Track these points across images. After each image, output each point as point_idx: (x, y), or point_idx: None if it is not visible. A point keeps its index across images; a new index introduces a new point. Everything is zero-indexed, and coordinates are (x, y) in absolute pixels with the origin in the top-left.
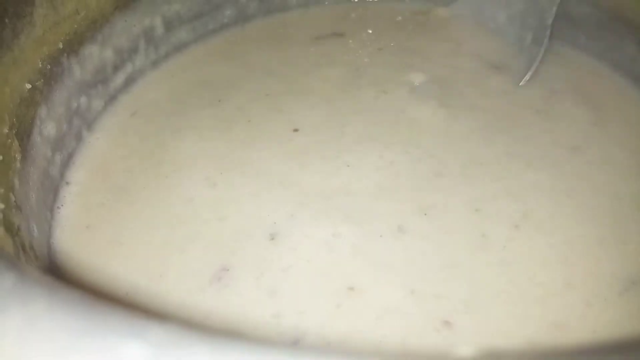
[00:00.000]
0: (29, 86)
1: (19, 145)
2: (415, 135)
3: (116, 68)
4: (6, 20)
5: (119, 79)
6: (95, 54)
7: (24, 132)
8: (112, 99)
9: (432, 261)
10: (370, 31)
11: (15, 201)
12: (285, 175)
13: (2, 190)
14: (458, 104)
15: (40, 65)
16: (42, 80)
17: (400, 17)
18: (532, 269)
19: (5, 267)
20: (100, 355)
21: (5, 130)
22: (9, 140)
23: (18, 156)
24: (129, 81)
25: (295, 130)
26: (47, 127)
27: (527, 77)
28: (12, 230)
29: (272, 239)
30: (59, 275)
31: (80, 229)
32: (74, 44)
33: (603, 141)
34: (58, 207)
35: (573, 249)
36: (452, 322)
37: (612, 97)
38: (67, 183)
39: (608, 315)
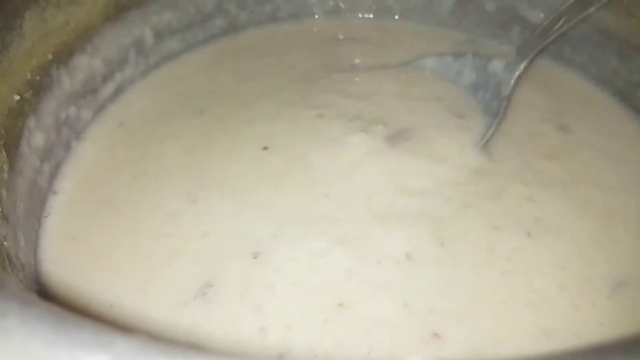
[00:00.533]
0: (17, 97)
1: (7, 156)
2: None
3: (105, 78)
4: None
5: (108, 89)
6: (85, 64)
7: (12, 143)
8: (100, 109)
9: (432, 279)
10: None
11: (2, 211)
12: (260, 196)
13: None
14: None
15: (29, 76)
16: (31, 92)
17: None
18: (531, 277)
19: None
20: None
21: None
22: None
23: (6, 167)
24: (118, 91)
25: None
26: (36, 138)
27: (483, 140)
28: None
29: (255, 257)
30: (44, 286)
31: (66, 239)
32: (64, 55)
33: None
34: (45, 217)
35: (570, 252)
36: (441, 334)
37: (590, 108)
38: (55, 192)
39: (595, 319)
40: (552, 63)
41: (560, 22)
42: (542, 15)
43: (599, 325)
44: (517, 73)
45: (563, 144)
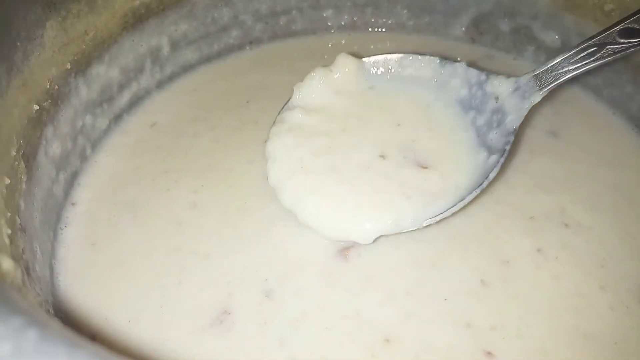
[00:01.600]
0: (36, 107)
1: (25, 166)
2: None
3: (122, 87)
4: (18, 44)
5: (124, 98)
6: (102, 73)
7: (30, 153)
8: (116, 118)
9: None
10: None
11: (20, 223)
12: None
13: (9, 214)
14: None
15: (48, 85)
16: (50, 101)
17: None
18: (576, 279)
19: (26, 324)
20: None
21: (13, 153)
22: (16, 162)
23: (24, 177)
24: (134, 101)
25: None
26: (53, 147)
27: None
28: (17, 255)
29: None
30: (60, 298)
31: (82, 249)
32: (82, 64)
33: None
34: (61, 228)
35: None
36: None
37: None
38: (73, 204)
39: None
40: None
41: (597, 52)
42: (556, 37)
43: (631, 329)
44: (531, 103)
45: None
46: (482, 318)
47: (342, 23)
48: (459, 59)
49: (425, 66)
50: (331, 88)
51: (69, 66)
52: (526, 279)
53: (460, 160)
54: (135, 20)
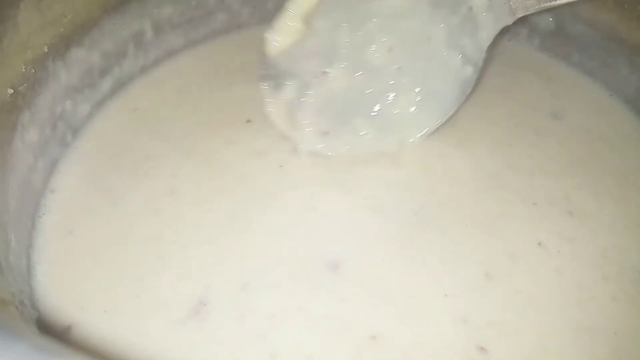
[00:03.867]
0: (11, 91)
1: (0, 153)
2: None
3: (103, 73)
4: None
5: (107, 84)
6: (82, 57)
7: (4, 139)
8: (98, 103)
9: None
10: None
11: None
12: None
13: None
14: None
15: (24, 69)
16: (26, 85)
17: None
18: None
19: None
20: None
21: None
22: None
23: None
24: (117, 86)
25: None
26: (30, 133)
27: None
28: None
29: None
30: (36, 289)
31: (62, 237)
32: (60, 48)
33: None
34: (40, 216)
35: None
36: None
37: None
38: (52, 191)
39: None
40: (560, 64)
41: None
42: (550, 19)
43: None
44: (503, 24)
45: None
46: (480, 314)
47: None
48: None
49: None
50: None
51: (46, 49)
52: (530, 272)
53: (433, 62)
54: (117, 3)
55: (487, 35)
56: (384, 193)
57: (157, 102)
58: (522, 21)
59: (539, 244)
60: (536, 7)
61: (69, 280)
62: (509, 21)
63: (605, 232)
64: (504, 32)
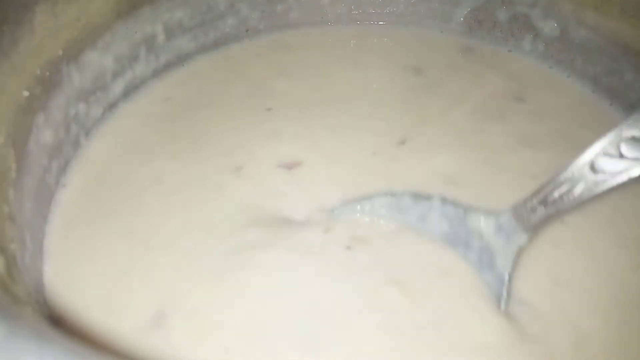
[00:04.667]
0: (26, 94)
1: (15, 154)
2: None
3: (116, 75)
4: (5, 28)
5: (119, 86)
6: (95, 61)
7: (20, 141)
8: (111, 106)
9: None
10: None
11: (9, 212)
12: None
13: None
14: None
15: (39, 72)
16: (40, 88)
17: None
18: None
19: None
20: None
21: (2, 140)
22: (5, 150)
23: (14, 166)
24: (129, 89)
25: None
26: (44, 135)
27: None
28: (4, 245)
29: None
30: (49, 288)
31: (73, 236)
32: (74, 51)
33: None
34: (53, 216)
35: None
36: None
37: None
38: (65, 192)
39: None
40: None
41: (579, 190)
42: (555, 25)
43: None
44: (518, 246)
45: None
46: None
47: (339, 12)
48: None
49: (399, 206)
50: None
51: (60, 53)
52: None
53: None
54: (129, 7)
55: (505, 262)
56: None
57: (168, 105)
58: (526, 27)
59: None
60: (545, 218)
61: (76, 281)
62: (522, 240)
63: None
64: (507, 39)
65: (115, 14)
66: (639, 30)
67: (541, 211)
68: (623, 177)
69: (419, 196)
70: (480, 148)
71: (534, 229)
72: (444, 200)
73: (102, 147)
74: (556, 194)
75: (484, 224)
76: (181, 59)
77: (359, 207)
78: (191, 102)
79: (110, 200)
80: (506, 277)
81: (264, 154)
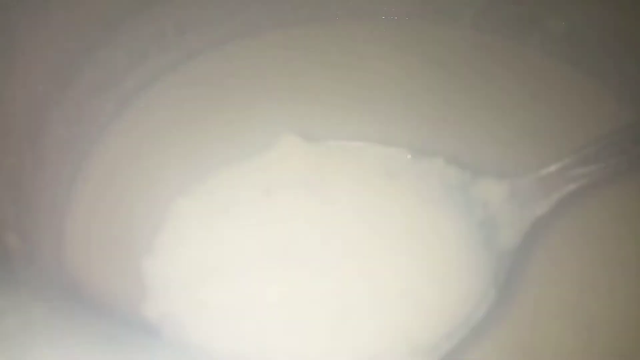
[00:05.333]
0: (41, 88)
1: (30, 147)
2: None
3: (127, 71)
4: (21, 23)
5: (130, 82)
6: (108, 57)
7: (35, 134)
8: (122, 102)
9: None
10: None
11: (26, 203)
12: None
13: (14, 194)
14: None
15: (54, 66)
16: (55, 83)
17: None
18: None
19: (33, 299)
20: None
21: (18, 133)
22: (22, 143)
23: (29, 159)
24: (140, 85)
25: None
26: (58, 129)
27: None
28: (24, 235)
29: None
30: (67, 275)
31: (88, 226)
32: (87, 47)
33: None
34: (68, 207)
35: None
36: None
37: None
38: (77, 185)
39: None
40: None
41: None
42: (563, 23)
43: None
44: (535, 215)
45: None
46: None
47: (349, 7)
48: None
49: (391, 159)
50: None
51: (74, 47)
52: None
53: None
54: (141, 3)
55: (512, 234)
56: None
57: (179, 101)
58: (534, 25)
59: None
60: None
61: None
62: (542, 209)
63: None
64: (515, 37)
65: (127, 10)
66: None
67: (579, 175)
68: None
69: (419, 154)
70: None
71: (562, 198)
72: (447, 159)
73: (116, 142)
74: (602, 156)
75: (493, 190)
76: (191, 56)
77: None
78: (203, 97)
79: (127, 195)
80: (510, 247)
81: None
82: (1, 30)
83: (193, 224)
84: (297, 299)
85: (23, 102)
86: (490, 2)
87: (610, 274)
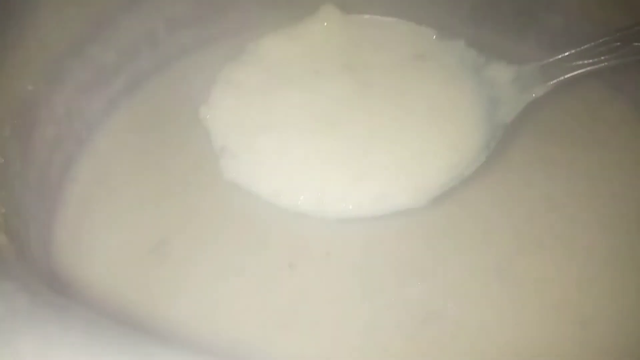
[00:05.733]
0: (30, 87)
1: (19, 147)
2: None
3: (118, 70)
4: (11, 22)
5: (120, 81)
6: (97, 55)
7: (24, 134)
8: (112, 100)
9: None
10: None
11: (15, 203)
12: None
13: (3, 193)
14: None
15: (43, 66)
16: (44, 82)
17: None
18: None
19: (17, 289)
20: None
21: (7, 133)
22: (10, 142)
23: (18, 158)
24: (130, 84)
25: None
26: (47, 129)
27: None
28: (12, 235)
29: None
30: (55, 274)
31: (76, 229)
32: (77, 45)
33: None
34: (56, 209)
35: None
36: None
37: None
38: (66, 184)
39: None
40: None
41: (619, 49)
42: (561, 19)
43: None
44: (532, 96)
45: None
46: None
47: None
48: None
49: (419, 38)
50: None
51: (63, 47)
52: None
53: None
54: (131, 2)
55: (509, 110)
56: None
57: (169, 99)
58: (532, 21)
59: None
60: (573, 73)
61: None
62: (540, 92)
63: None
64: (512, 33)
65: (116, 8)
66: None
67: (574, 65)
68: None
69: (443, 34)
70: None
71: (557, 82)
72: (468, 43)
73: (105, 141)
74: (598, 50)
75: (502, 73)
76: (182, 54)
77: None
78: (192, 96)
79: (116, 194)
80: (506, 122)
81: None
82: None
83: (246, 84)
84: (328, 153)
85: (13, 101)
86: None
87: (589, 156)
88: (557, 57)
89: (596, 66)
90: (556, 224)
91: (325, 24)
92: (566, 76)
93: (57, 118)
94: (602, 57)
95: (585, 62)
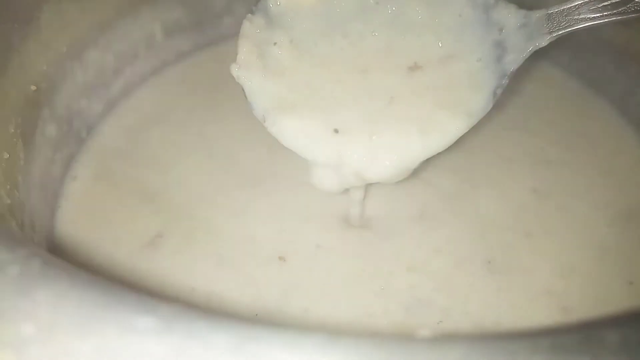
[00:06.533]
0: (33, 88)
1: (23, 144)
2: None
3: (116, 73)
4: (15, 26)
5: (119, 83)
6: (97, 58)
7: (27, 132)
8: (111, 103)
9: None
10: None
11: (19, 197)
12: None
13: (8, 187)
14: None
15: (45, 68)
16: (46, 83)
17: None
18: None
19: (32, 254)
20: (120, 325)
21: (11, 130)
22: (14, 139)
23: (22, 155)
24: (129, 86)
25: None
26: (49, 128)
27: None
28: (19, 224)
29: None
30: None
31: (78, 226)
32: (77, 48)
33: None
34: (59, 206)
35: None
36: None
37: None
38: (68, 182)
39: None
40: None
41: (622, 4)
42: None
43: None
44: (536, 46)
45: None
46: None
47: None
48: None
49: None
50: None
51: (64, 49)
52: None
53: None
54: (129, 7)
55: (514, 59)
56: None
57: (167, 104)
58: None
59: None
60: (577, 27)
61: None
62: (543, 43)
63: None
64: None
65: (116, 13)
66: (620, 27)
67: (578, 18)
68: None
69: None
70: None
71: (560, 34)
72: None
73: (103, 142)
74: (603, 4)
75: (510, 17)
76: (179, 58)
77: None
78: (188, 99)
79: (115, 193)
80: (511, 70)
81: None
82: None
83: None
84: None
85: (17, 101)
86: None
87: (574, 149)
88: (565, 7)
89: (599, 21)
90: (544, 215)
91: None
92: (570, 29)
93: (58, 118)
94: (606, 13)
95: (590, 16)
